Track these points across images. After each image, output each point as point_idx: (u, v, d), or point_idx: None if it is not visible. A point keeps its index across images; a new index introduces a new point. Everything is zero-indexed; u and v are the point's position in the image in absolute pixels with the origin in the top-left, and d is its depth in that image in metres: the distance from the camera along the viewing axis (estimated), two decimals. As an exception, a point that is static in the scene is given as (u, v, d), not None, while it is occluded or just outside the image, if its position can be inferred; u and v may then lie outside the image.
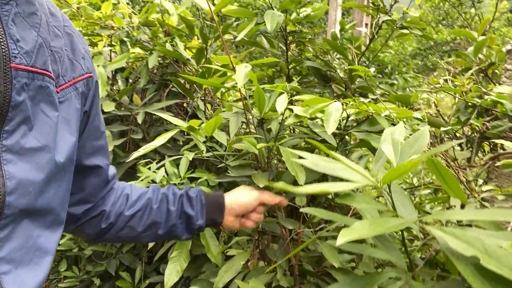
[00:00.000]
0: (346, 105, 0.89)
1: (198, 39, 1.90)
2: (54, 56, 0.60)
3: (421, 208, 1.21)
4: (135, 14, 1.95)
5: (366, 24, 5.32)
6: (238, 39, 1.38)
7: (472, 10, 5.78)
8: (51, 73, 0.58)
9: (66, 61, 0.63)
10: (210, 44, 1.63)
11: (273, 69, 1.57)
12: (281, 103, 0.89)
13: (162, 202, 0.85)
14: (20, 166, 0.53)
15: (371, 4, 1.33)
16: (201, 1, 1.00)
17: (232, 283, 1.20)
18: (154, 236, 0.86)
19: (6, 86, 0.51)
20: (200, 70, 1.68)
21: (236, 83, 0.97)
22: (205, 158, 1.49)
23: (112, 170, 0.83)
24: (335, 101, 0.88)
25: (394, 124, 0.91)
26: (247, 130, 1.37)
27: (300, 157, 0.56)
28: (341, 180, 0.47)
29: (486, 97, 0.97)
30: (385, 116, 0.81)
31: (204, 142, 1.13)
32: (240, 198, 0.90)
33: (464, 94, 1.20)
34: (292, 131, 1.30)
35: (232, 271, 1.12)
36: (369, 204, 0.46)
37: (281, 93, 0.96)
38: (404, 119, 0.85)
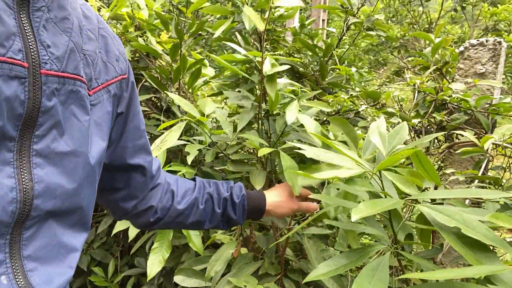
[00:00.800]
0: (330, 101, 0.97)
1: (167, 33, 1.92)
2: (87, 60, 0.61)
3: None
4: (104, 7, 1.92)
5: (323, 20, 5.50)
6: (215, 36, 1.43)
7: (420, 8, 6.15)
8: (82, 77, 0.59)
9: (100, 64, 0.64)
10: (184, 40, 1.66)
11: (247, 65, 1.64)
12: (293, 111, 0.95)
13: (208, 202, 0.88)
14: (49, 170, 0.54)
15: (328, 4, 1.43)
16: None
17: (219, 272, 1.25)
18: (199, 228, 0.91)
19: (35, 92, 0.52)
20: (174, 65, 1.70)
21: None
22: (180, 149, 1.53)
23: (156, 164, 0.83)
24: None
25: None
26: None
27: (300, 149, 0.63)
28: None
29: (453, 95, 1.10)
30: (362, 110, 0.91)
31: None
32: (279, 208, 0.92)
33: (423, 90, 1.33)
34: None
35: (222, 259, 1.18)
36: (367, 187, 0.54)
37: (291, 100, 1.01)
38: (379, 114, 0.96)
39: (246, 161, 1.15)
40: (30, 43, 0.51)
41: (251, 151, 1.35)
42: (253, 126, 1.32)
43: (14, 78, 0.49)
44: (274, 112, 1.16)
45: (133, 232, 1.50)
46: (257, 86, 1.25)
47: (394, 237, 0.64)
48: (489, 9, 5.60)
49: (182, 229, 0.94)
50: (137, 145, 0.75)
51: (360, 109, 0.91)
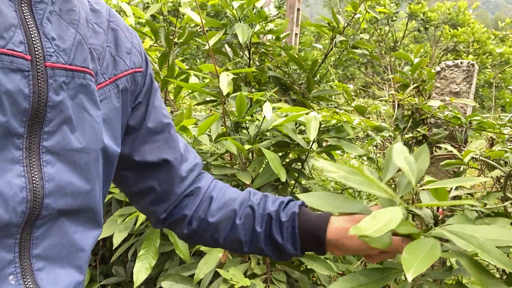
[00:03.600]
0: (321, 115, 1.04)
1: (152, 41, 1.93)
2: (92, 54, 0.58)
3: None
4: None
5: (296, 34, 5.65)
6: (207, 47, 1.47)
7: (386, 27, 6.46)
8: (91, 70, 0.56)
9: (108, 58, 0.61)
10: (173, 50, 1.69)
11: (235, 76, 1.68)
12: (268, 109, 1.00)
13: (248, 218, 0.72)
14: (59, 168, 0.52)
15: (302, 14, 1.51)
16: (193, 15, 1.07)
17: (205, 276, 1.28)
18: (241, 251, 0.74)
19: (41, 86, 0.49)
20: (162, 74, 1.72)
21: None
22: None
23: (188, 163, 0.74)
24: (312, 111, 1.03)
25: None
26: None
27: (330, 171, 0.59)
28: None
29: (446, 112, 1.20)
30: (355, 124, 0.97)
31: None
32: (350, 243, 0.65)
33: (401, 106, 1.43)
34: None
35: (211, 263, 1.20)
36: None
37: (262, 101, 1.08)
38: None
39: (227, 166, 1.19)
40: (33, 36, 0.50)
41: (228, 159, 1.39)
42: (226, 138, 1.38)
43: (16, 71, 0.47)
44: (245, 123, 1.20)
45: (118, 238, 1.49)
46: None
47: None
48: (450, 30, 5.97)
49: (221, 247, 0.77)
50: (157, 141, 0.70)
51: (353, 123, 0.98)
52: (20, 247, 0.50)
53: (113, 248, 1.60)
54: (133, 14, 1.82)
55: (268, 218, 0.71)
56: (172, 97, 1.91)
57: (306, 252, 0.72)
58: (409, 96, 1.34)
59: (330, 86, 1.31)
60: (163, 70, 1.74)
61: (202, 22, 1.07)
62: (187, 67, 1.74)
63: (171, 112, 1.96)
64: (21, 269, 0.50)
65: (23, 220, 0.49)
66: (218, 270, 1.14)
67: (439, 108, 1.27)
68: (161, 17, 1.84)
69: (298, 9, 5.71)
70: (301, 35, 8.54)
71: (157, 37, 1.71)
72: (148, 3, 1.76)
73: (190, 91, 1.89)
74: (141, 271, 1.39)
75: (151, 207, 0.74)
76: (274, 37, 1.90)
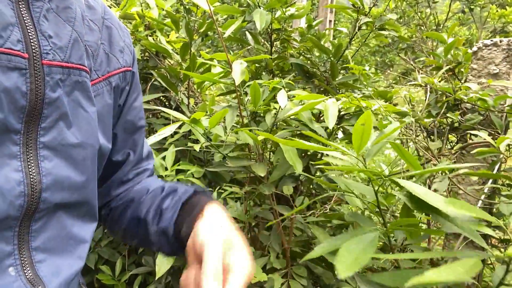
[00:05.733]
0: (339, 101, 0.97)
1: (176, 33, 1.92)
2: (87, 51, 0.59)
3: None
4: (114, 6, 1.93)
5: (330, 21, 5.49)
6: (225, 35, 1.43)
7: (427, 10, 6.12)
8: (87, 67, 0.58)
9: (102, 55, 0.62)
10: (194, 40, 1.66)
11: (257, 65, 1.64)
12: (282, 98, 0.95)
13: (151, 194, 0.70)
14: (57, 163, 0.54)
15: (337, 1, 1.43)
16: (200, 1, 1.04)
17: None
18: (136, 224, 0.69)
19: (38, 84, 0.51)
20: (184, 64, 1.71)
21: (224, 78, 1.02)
22: (189, 149, 1.53)
23: (139, 167, 0.74)
24: (330, 97, 0.96)
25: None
26: (235, 124, 1.43)
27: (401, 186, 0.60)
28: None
29: (470, 94, 1.09)
30: (374, 110, 0.90)
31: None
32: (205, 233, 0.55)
33: (435, 90, 1.32)
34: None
35: (229, 256, 1.18)
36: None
37: (277, 89, 1.03)
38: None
39: (243, 157, 1.15)
40: (30, 34, 0.50)
41: (245, 150, 1.35)
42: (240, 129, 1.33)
43: (14, 69, 0.48)
44: (262, 113, 1.16)
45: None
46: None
47: (383, 220, 0.64)
48: (497, 11, 5.56)
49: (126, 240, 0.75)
50: (126, 140, 0.71)
51: (372, 109, 0.90)
52: (19, 240, 0.52)
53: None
54: (156, 6, 1.82)
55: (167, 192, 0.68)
56: (196, 88, 1.89)
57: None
58: (441, 80, 1.23)
59: (352, 72, 1.23)
60: (187, 61, 1.72)
61: (210, 9, 1.03)
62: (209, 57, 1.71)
63: (196, 103, 1.95)
64: (20, 261, 0.52)
65: (21, 213, 0.51)
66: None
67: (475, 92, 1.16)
68: (182, 7, 1.82)
69: (332, -5, 5.53)
70: (337, 22, 8.31)
71: (178, 28, 1.69)
72: (169, -7, 1.74)
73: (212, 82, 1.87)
74: (163, 262, 1.39)
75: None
76: (306, 25, 1.83)
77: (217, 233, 0.54)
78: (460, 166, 0.68)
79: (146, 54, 1.88)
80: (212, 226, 0.56)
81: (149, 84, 1.83)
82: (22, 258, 0.52)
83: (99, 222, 0.70)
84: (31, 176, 0.51)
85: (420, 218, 1.17)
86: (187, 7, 1.72)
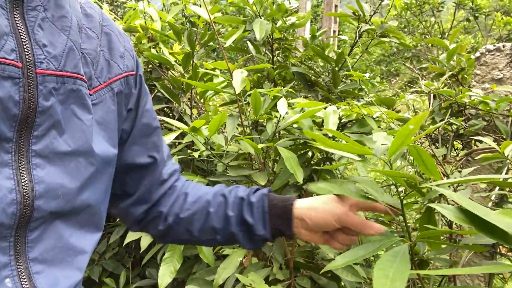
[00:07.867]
0: (340, 108, 0.96)
1: (179, 44, 1.94)
2: (86, 59, 0.59)
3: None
4: (117, 19, 1.96)
5: (334, 31, 5.51)
6: (226, 45, 1.44)
7: (432, 18, 6.12)
8: (83, 75, 0.58)
9: (102, 62, 0.63)
10: (196, 50, 1.67)
11: (259, 75, 1.64)
12: (283, 106, 0.95)
13: (220, 206, 0.75)
14: (49, 170, 0.53)
15: (340, 11, 1.42)
16: (201, 11, 1.04)
17: (227, 281, 1.24)
18: (214, 243, 0.76)
19: (31, 93, 0.51)
20: (186, 75, 1.71)
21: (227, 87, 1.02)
22: (192, 159, 1.52)
23: (169, 168, 0.77)
24: (330, 105, 0.95)
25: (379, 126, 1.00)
26: (237, 133, 1.43)
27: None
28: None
29: (472, 97, 1.08)
30: (376, 117, 0.89)
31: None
32: (316, 214, 0.69)
33: (438, 96, 1.31)
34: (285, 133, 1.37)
35: (230, 267, 1.16)
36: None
37: (278, 97, 1.02)
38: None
39: (245, 166, 1.15)
40: (25, 43, 0.51)
41: (247, 158, 1.35)
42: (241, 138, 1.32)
43: (7, 78, 0.49)
44: (263, 121, 1.15)
45: (145, 242, 1.49)
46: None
47: (408, 232, 0.62)
48: (502, 18, 5.54)
49: (198, 244, 0.80)
50: (146, 143, 0.72)
51: (374, 116, 0.89)
52: (16, 250, 0.51)
53: (141, 251, 1.61)
54: (160, 18, 1.84)
55: (239, 202, 0.74)
56: (199, 98, 1.90)
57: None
58: (444, 86, 1.22)
59: (354, 80, 1.22)
60: (189, 72, 1.73)
61: (210, 18, 1.04)
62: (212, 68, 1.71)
63: (198, 114, 1.95)
64: (17, 272, 0.51)
65: (15, 221, 0.50)
66: (237, 275, 1.09)
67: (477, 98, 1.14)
68: (184, 18, 1.84)
69: (336, 6, 5.56)
70: (341, 32, 8.34)
71: (180, 39, 1.70)
72: (172, 4, 1.76)
73: (214, 92, 1.88)
74: (165, 274, 1.37)
75: (130, 209, 0.75)
76: (310, 35, 1.83)
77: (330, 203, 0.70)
78: (485, 177, 0.66)
79: (150, 66, 1.89)
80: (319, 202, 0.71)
81: (152, 96, 1.83)
82: (19, 269, 0.51)
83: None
84: (23, 184, 0.51)
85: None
86: (190, 19, 1.73)
